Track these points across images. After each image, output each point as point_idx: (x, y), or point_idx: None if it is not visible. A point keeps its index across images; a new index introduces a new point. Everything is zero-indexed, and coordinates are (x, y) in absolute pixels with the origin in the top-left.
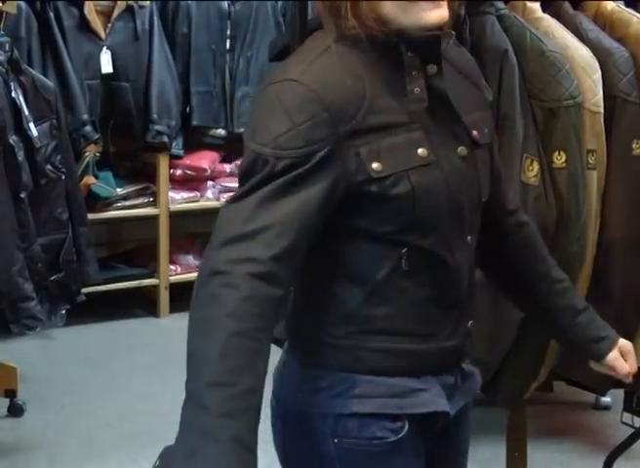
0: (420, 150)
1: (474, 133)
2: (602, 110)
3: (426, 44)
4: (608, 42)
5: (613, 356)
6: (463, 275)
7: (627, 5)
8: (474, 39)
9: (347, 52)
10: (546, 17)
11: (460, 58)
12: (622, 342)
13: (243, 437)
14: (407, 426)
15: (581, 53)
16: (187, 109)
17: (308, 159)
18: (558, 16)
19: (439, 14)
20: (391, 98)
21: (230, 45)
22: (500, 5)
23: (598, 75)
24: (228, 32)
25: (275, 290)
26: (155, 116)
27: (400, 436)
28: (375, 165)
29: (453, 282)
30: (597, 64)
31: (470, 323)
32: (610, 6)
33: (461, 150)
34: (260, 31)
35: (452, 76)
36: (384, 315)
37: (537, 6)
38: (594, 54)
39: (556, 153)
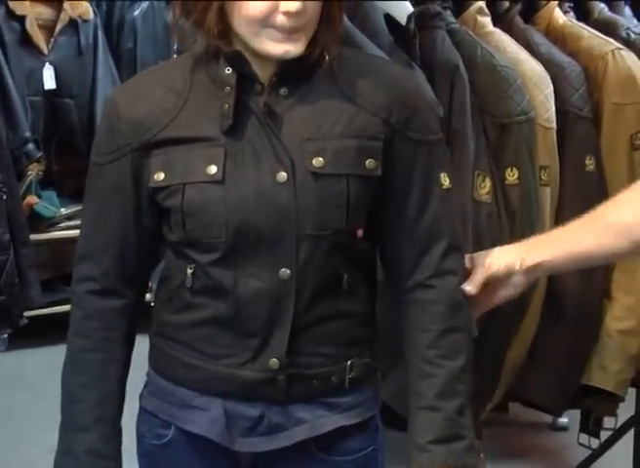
0: (210, 167)
1: (314, 161)
2: (554, 126)
3: (241, 61)
4: (559, 56)
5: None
6: (261, 307)
7: (610, 7)
8: (425, 54)
9: (181, 66)
10: (497, 31)
11: (359, 82)
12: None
13: (98, 448)
14: (172, 436)
15: (533, 67)
16: None
17: (110, 168)
18: (509, 30)
19: (286, 49)
20: (207, 114)
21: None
22: (451, 19)
23: (550, 90)
24: (175, 46)
25: (115, 301)
26: None
27: (162, 442)
28: (158, 175)
29: (241, 311)
30: (549, 79)
31: (281, 360)
32: (561, 20)
33: (280, 176)
34: None
35: (320, 99)
36: (173, 323)
37: (487, 20)
38: (546, 68)
39: (509, 169)
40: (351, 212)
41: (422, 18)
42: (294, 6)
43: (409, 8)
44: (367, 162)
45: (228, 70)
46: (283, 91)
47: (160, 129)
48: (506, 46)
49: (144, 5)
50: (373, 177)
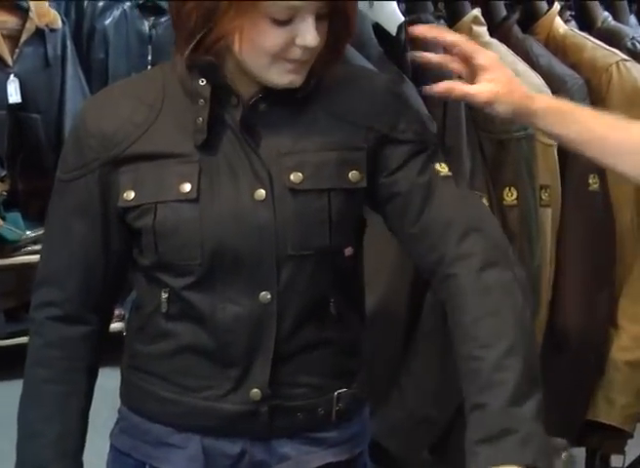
0: (183, 185)
1: (292, 176)
2: (555, 142)
3: (215, 72)
4: (560, 68)
5: None
6: (241, 334)
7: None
8: (416, 66)
9: (155, 77)
10: (494, 41)
11: (339, 94)
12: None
13: None
14: None
15: (532, 80)
16: None
17: (76, 185)
18: (507, 40)
19: (292, 79)
20: (180, 128)
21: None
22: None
23: None
24: (149, 58)
25: (78, 328)
26: None
27: None
28: (127, 193)
29: (220, 338)
30: (550, 93)
31: (263, 390)
32: (562, 29)
33: (259, 194)
34: None
35: (299, 113)
36: (147, 353)
37: (483, 30)
38: (546, 81)
39: (507, 189)
40: (335, 228)
41: None
42: (313, 41)
43: (399, 17)
44: (350, 174)
45: (202, 82)
46: (263, 107)
47: (130, 143)
48: (503, 57)
49: (116, 13)
50: (357, 190)
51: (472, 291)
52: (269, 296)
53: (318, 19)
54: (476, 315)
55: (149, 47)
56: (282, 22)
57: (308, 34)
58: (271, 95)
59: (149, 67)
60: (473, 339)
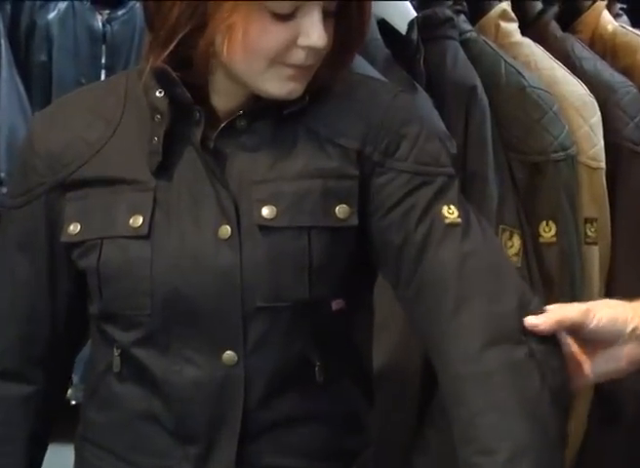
0: (134, 218)
1: (263, 210)
2: (603, 165)
3: (167, 81)
4: (609, 74)
5: None
6: (202, 403)
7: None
8: (432, 72)
9: (117, 86)
10: (527, 41)
11: (327, 108)
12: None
13: None
14: None
15: (574, 89)
16: None
17: (20, 214)
18: (543, 40)
19: (291, 89)
20: (137, 149)
21: (106, 77)
22: (466, 27)
23: (597, 118)
24: (103, 60)
25: (17, 387)
26: (3, 174)
27: None
28: (72, 227)
29: (176, 407)
30: (596, 104)
31: None
32: (611, 27)
33: (223, 231)
34: None
35: (278, 131)
36: (98, 422)
37: (514, 27)
38: (591, 90)
39: (543, 223)
40: (316, 276)
41: (429, 25)
42: (320, 41)
43: (410, 12)
44: (337, 209)
45: (160, 92)
46: (242, 124)
47: (79, 165)
48: (539, 61)
49: (62, 6)
50: (346, 229)
51: (471, 377)
52: (235, 358)
53: (325, 15)
54: (475, 409)
55: (103, 47)
56: (283, 17)
57: (314, 32)
58: (254, 110)
59: (103, 72)
60: (472, 441)
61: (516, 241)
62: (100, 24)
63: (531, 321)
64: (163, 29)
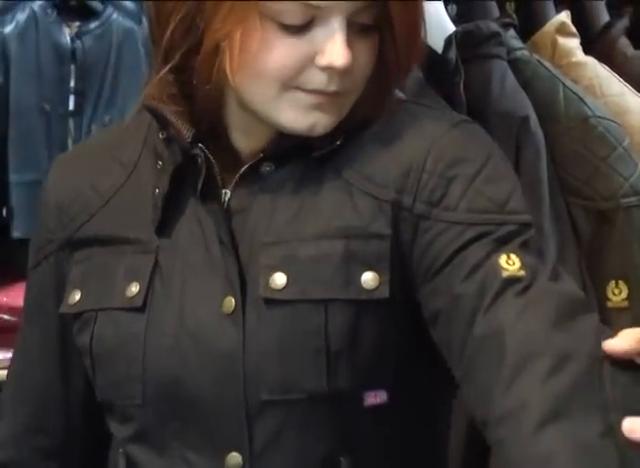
0: (130, 286)
1: (271, 279)
2: None
3: (161, 123)
4: None
5: None
6: None
7: None
8: (473, 98)
9: (142, 123)
10: (591, 61)
11: (369, 152)
12: None
13: None
14: None
15: None
16: (3, 211)
17: (33, 277)
18: (610, 59)
19: (313, 122)
20: (147, 202)
21: (76, 104)
22: (516, 43)
23: None
24: (72, 83)
25: None
26: None
27: None
28: (73, 295)
29: None
30: None
31: None
32: None
33: (228, 303)
34: (127, 78)
35: (303, 179)
36: None
37: (574, 44)
38: None
39: (612, 284)
40: (336, 362)
41: (470, 41)
42: (341, 60)
43: (448, 26)
44: (362, 276)
45: (162, 134)
46: (267, 169)
47: (86, 219)
48: (605, 85)
49: (21, 17)
50: (374, 302)
51: (527, 463)
52: (241, 460)
53: (359, 29)
54: None
55: (72, 67)
56: (295, 29)
57: (335, 49)
58: (279, 151)
59: (72, 98)
60: None
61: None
62: (69, 40)
63: (606, 346)
64: (161, 44)
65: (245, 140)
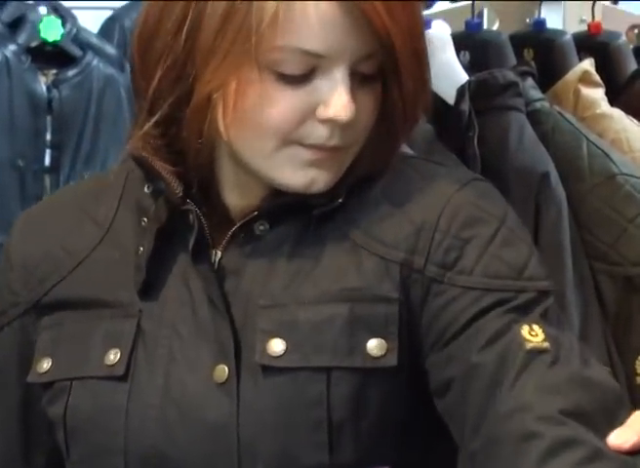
0: (110, 353)
1: (268, 346)
2: None
3: (151, 176)
4: None
5: None
6: None
7: None
8: (488, 154)
9: (116, 178)
10: (617, 113)
11: (375, 210)
12: None
13: None
14: None
15: None
16: None
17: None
18: (638, 110)
19: (311, 178)
20: (126, 263)
21: (53, 158)
22: (535, 94)
23: None
24: (49, 137)
25: None
26: None
27: None
28: (42, 363)
29: None
30: None
31: None
32: None
33: (219, 372)
34: (108, 130)
35: (302, 237)
36: None
37: (599, 94)
38: None
39: None
40: (338, 435)
41: (485, 92)
42: (345, 112)
43: (461, 75)
44: (368, 343)
45: (148, 188)
46: (261, 228)
47: (56, 281)
48: (633, 139)
49: None
50: (381, 371)
51: None
52: None
53: (362, 80)
54: None
55: (48, 118)
56: (294, 80)
57: (338, 100)
58: (273, 209)
59: (48, 152)
60: None
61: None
62: (45, 89)
63: (612, 441)
64: (147, 92)
65: (237, 197)
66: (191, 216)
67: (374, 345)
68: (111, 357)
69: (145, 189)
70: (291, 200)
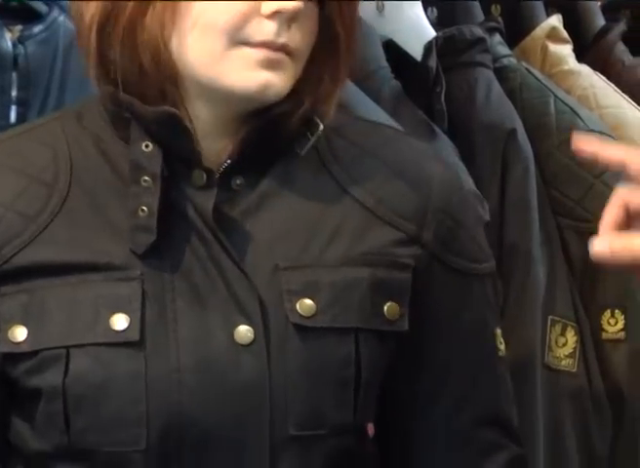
0: (115, 318)
1: (298, 305)
2: None
3: (176, 130)
4: None
5: None
6: None
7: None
8: (456, 111)
9: (52, 134)
10: (585, 70)
11: (365, 172)
12: None
13: None
14: None
15: None
16: None
17: None
18: (606, 67)
19: (266, 79)
20: (105, 223)
21: (18, 115)
22: (502, 50)
23: None
24: (14, 93)
25: None
26: None
27: None
28: (14, 331)
29: None
30: None
31: None
32: None
33: (241, 333)
34: (75, 86)
35: (301, 196)
36: None
37: (567, 51)
38: None
39: (607, 314)
40: (363, 393)
41: (452, 48)
42: (290, 3)
43: (427, 31)
44: (386, 307)
45: (147, 147)
46: (237, 182)
47: (16, 249)
48: (600, 95)
49: None
50: (393, 335)
51: None
52: None
53: None
54: None
55: (14, 75)
56: None
57: None
58: (246, 150)
59: (14, 109)
60: None
61: (571, 337)
62: (10, 45)
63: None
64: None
65: (209, 143)
66: (201, 172)
67: (391, 309)
68: (119, 322)
69: (144, 148)
70: (261, 135)
